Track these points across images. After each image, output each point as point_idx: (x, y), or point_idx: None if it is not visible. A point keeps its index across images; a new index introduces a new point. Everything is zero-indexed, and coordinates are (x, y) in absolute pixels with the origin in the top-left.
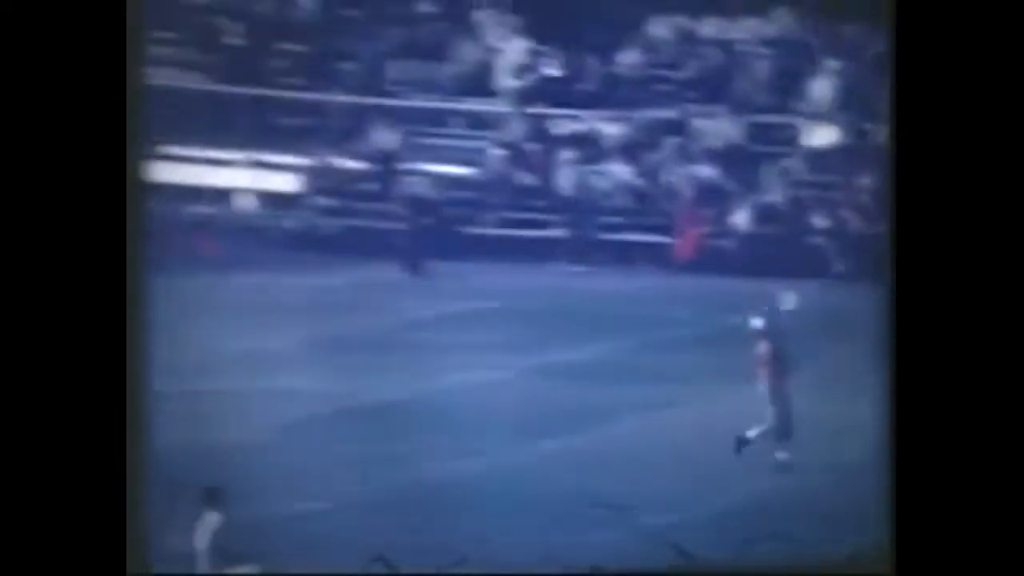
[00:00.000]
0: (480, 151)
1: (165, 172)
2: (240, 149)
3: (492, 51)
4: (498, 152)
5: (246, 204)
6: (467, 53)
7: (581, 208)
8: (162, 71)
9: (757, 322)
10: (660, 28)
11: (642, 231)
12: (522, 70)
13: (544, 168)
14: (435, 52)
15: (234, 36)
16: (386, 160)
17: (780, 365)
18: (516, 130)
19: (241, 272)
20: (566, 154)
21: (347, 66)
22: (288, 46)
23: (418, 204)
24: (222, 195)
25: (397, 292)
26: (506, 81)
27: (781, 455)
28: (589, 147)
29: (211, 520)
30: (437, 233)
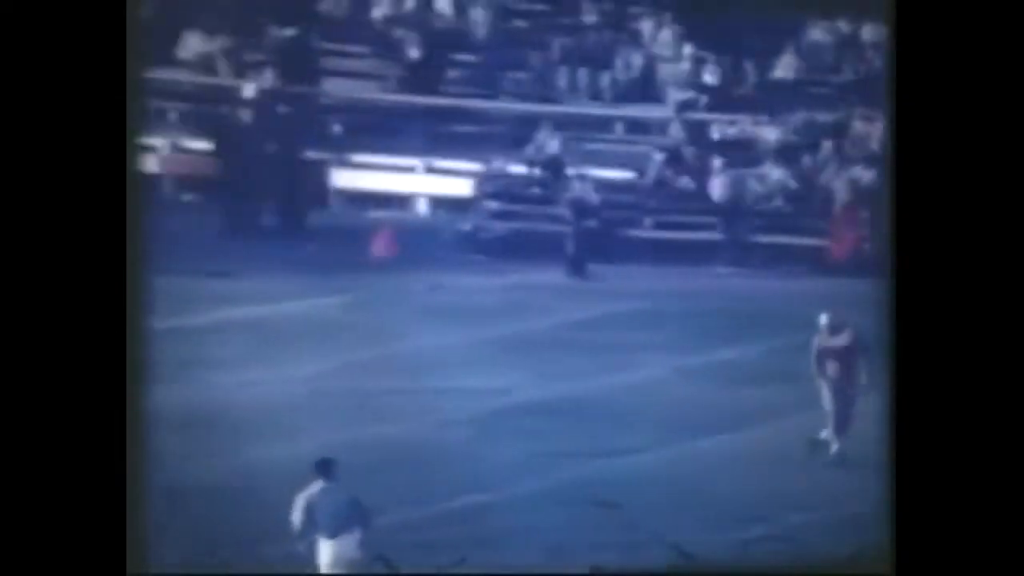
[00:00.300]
0: (641, 156)
1: (347, 178)
2: (416, 156)
3: (654, 58)
4: (658, 156)
5: (421, 208)
6: (630, 60)
7: (738, 211)
8: (345, 83)
9: (824, 318)
10: (818, 33)
11: (798, 234)
12: (682, 76)
13: (702, 172)
14: (600, 60)
15: (412, 48)
16: (552, 165)
17: (847, 360)
18: (676, 135)
19: (416, 273)
20: (724, 158)
21: (516, 75)
22: (461, 57)
23: (581, 208)
24: (399, 200)
25: (560, 293)
26: (667, 87)
27: (834, 448)
28: (746, 151)
29: (316, 488)
30: (598, 236)
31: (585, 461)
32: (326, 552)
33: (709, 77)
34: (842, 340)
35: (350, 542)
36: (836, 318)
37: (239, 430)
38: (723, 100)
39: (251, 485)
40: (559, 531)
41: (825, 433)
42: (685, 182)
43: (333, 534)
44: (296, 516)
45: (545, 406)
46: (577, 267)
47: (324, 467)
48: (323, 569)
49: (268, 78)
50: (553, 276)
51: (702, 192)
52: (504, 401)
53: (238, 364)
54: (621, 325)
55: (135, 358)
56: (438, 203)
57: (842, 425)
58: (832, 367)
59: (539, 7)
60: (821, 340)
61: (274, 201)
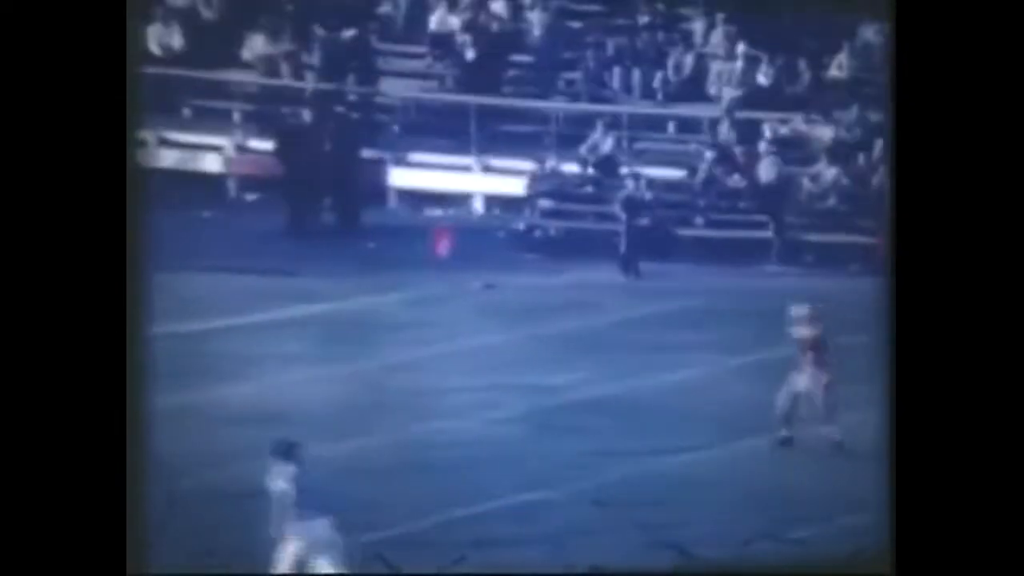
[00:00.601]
0: (693, 154)
1: (405, 177)
2: (472, 155)
3: (707, 57)
4: (709, 155)
5: (477, 207)
6: (683, 60)
7: (789, 210)
8: (403, 83)
9: (800, 310)
10: (870, 33)
11: (850, 232)
12: (735, 75)
13: (754, 170)
14: (653, 60)
15: (468, 49)
16: (605, 164)
17: (821, 351)
18: (727, 133)
19: (471, 271)
20: (776, 157)
21: (570, 75)
22: (517, 57)
23: (633, 206)
24: (456, 199)
25: (612, 292)
26: (719, 86)
27: (783, 433)
28: (798, 150)
29: (282, 471)
30: (651, 234)
31: (638, 459)
32: (295, 535)
33: (762, 76)
34: (815, 330)
35: (323, 524)
36: (812, 309)
37: (300, 427)
38: (776, 99)
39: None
40: (611, 529)
41: (828, 431)
42: (736, 180)
43: (305, 517)
44: (273, 503)
45: (598, 404)
46: (629, 266)
47: (287, 450)
48: (292, 552)
49: (329, 79)
50: (606, 274)
51: (754, 190)
52: (558, 399)
53: (298, 361)
54: (673, 323)
55: (135, 360)
56: (493, 202)
57: (831, 415)
58: (808, 357)
59: (593, 8)
60: (798, 331)
61: (334, 200)
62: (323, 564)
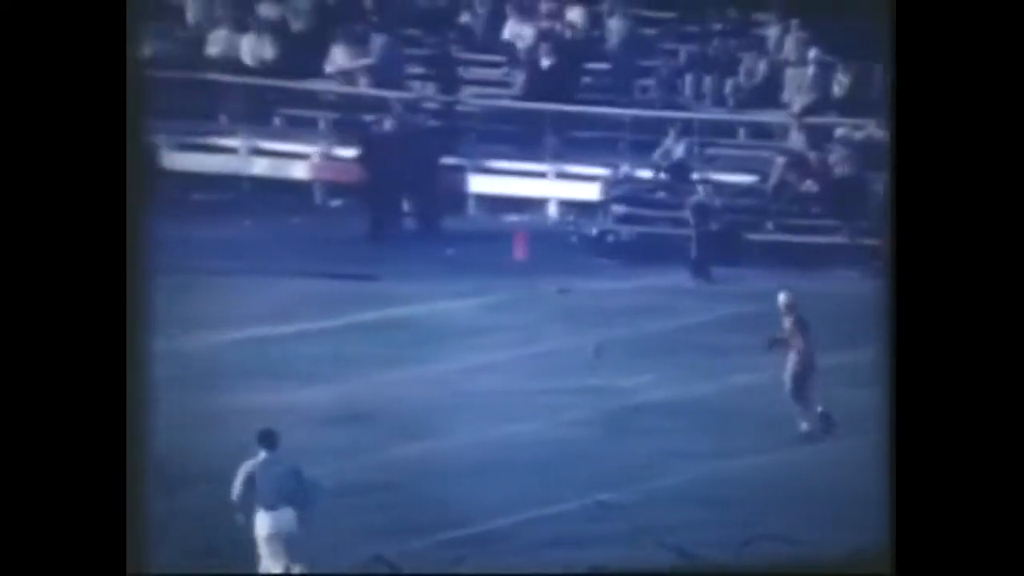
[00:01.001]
0: (764, 160)
1: (483, 184)
2: (547, 161)
3: (779, 63)
4: (780, 160)
5: (552, 212)
6: (755, 66)
7: (859, 214)
8: (482, 91)
9: (783, 296)
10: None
11: None
12: (808, 81)
13: (826, 175)
14: (725, 66)
15: (544, 57)
16: (677, 170)
17: (802, 338)
18: (800, 139)
19: (546, 276)
20: (847, 162)
21: (644, 82)
22: (591, 65)
23: (703, 211)
24: (532, 204)
25: (683, 295)
26: (791, 92)
27: (804, 426)
28: (870, 154)
29: (259, 459)
30: (722, 239)
31: (709, 461)
32: (263, 524)
33: (835, 82)
34: (794, 316)
35: (288, 515)
36: (789, 297)
37: (381, 428)
38: (849, 104)
39: (396, 481)
40: (682, 529)
41: (807, 424)
42: (809, 185)
43: (272, 506)
44: (236, 486)
45: (669, 406)
46: (700, 270)
47: (267, 438)
48: (260, 540)
49: (410, 87)
50: (677, 279)
51: (825, 195)
52: (631, 401)
53: (381, 363)
54: (744, 327)
55: (135, 360)
56: (567, 207)
57: (806, 401)
58: (789, 345)
59: (667, 15)
60: (783, 318)
61: (415, 206)
62: (277, 551)
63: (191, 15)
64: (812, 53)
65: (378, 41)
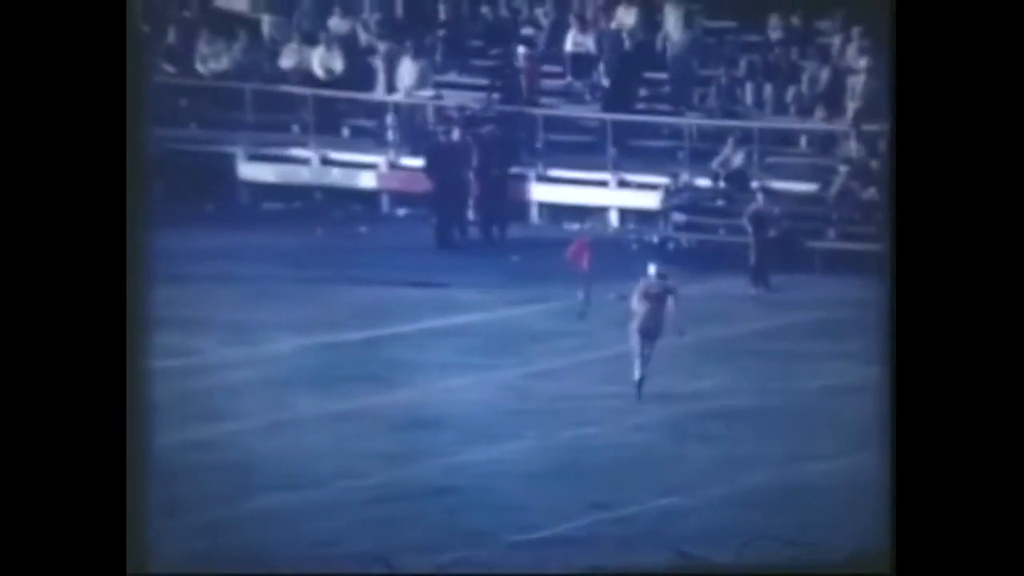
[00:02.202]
0: (825, 168)
1: (546, 192)
2: (608, 170)
3: (840, 72)
4: (843, 168)
5: (613, 221)
6: (815, 74)
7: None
8: (545, 102)
9: (652, 267)
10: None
11: None
12: (869, 89)
13: (883, 182)
14: (785, 74)
15: (606, 67)
16: (736, 178)
17: (658, 304)
18: (859, 147)
19: (607, 283)
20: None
21: (703, 90)
22: (652, 74)
23: (760, 220)
24: (593, 213)
25: (742, 303)
26: (849, 100)
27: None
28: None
29: None
30: (781, 247)
31: (769, 467)
32: None
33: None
34: (660, 288)
35: None
36: (656, 268)
37: (449, 433)
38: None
39: (459, 485)
40: (743, 533)
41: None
42: (872, 194)
43: None
44: None
45: (730, 412)
46: (759, 277)
47: None
48: None
49: (474, 98)
50: (737, 286)
51: (884, 203)
52: (692, 407)
53: (450, 368)
54: (803, 334)
55: (136, 359)
56: (628, 215)
57: (646, 362)
58: (643, 307)
59: (727, 24)
60: (644, 284)
61: (480, 214)
62: None
63: (266, 29)
64: (864, 62)
65: (445, 52)
